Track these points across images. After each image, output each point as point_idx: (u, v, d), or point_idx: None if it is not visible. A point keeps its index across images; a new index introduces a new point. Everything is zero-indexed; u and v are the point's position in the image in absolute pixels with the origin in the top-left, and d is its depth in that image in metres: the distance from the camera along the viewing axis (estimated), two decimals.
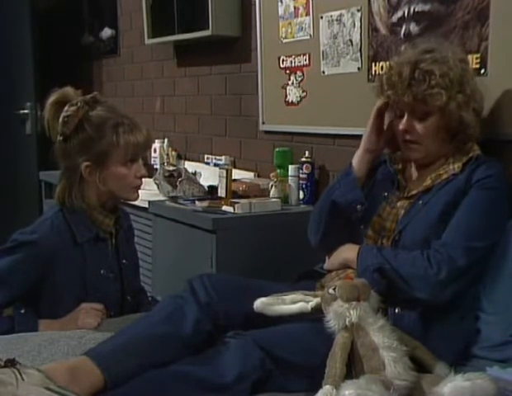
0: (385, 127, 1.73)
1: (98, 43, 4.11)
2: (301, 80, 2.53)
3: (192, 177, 2.66)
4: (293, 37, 2.54)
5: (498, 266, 1.56)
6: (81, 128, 1.69)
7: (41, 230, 1.68)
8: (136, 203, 2.06)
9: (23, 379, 1.20)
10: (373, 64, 2.19)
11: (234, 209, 2.25)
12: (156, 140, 3.33)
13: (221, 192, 2.41)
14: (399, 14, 2.08)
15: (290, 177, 2.49)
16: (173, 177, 2.63)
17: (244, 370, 1.35)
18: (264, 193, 2.48)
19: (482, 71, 1.81)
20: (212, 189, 2.55)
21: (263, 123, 2.76)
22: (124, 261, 1.81)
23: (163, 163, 3.15)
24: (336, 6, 2.32)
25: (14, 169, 4.05)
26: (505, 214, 1.59)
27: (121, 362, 1.35)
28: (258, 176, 2.81)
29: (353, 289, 1.43)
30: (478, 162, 1.62)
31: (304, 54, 2.50)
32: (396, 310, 1.54)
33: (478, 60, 1.82)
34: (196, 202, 2.37)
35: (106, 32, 4.01)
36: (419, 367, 1.38)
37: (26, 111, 4.00)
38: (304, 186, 2.45)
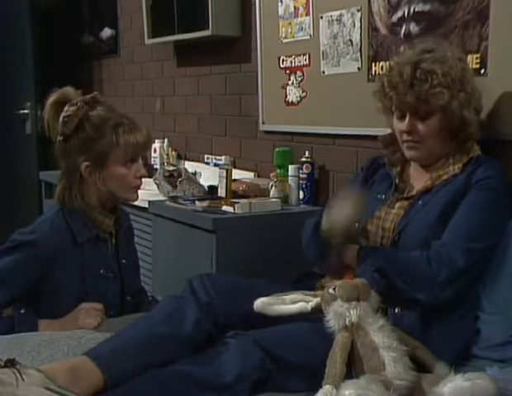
0: None
1: (98, 43, 4.11)
2: (301, 80, 2.53)
3: (192, 177, 2.66)
4: (293, 37, 2.54)
5: (498, 267, 1.56)
6: (81, 128, 1.69)
7: (41, 230, 1.68)
8: (136, 203, 2.06)
9: (23, 380, 1.20)
10: (373, 64, 2.19)
11: (234, 209, 2.25)
12: (156, 140, 3.34)
13: (221, 192, 2.41)
14: (399, 14, 2.08)
15: (290, 177, 2.49)
16: (173, 177, 2.63)
17: (244, 370, 1.35)
18: (264, 193, 2.48)
19: (482, 71, 1.81)
20: (212, 189, 2.55)
21: (263, 123, 2.76)
22: (123, 261, 1.81)
23: (163, 163, 3.15)
24: (336, 6, 2.32)
25: (14, 169, 4.06)
26: (505, 214, 1.59)
27: (121, 362, 1.35)
28: (258, 176, 2.81)
29: (352, 289, 1.43)
30: (478, 163, 1.62)
31: (304, 54, 2.50)
32: (396, 310, 1.54)
33: (478, 60, 1.82)
34: (196, 202, 2.37)
35: (106, 32, 4.01)
36: (419, 367, 1.38)
37: (26, 111, 4.00)
38: (304, 186, 2.45)
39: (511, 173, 1.67)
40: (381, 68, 2.15)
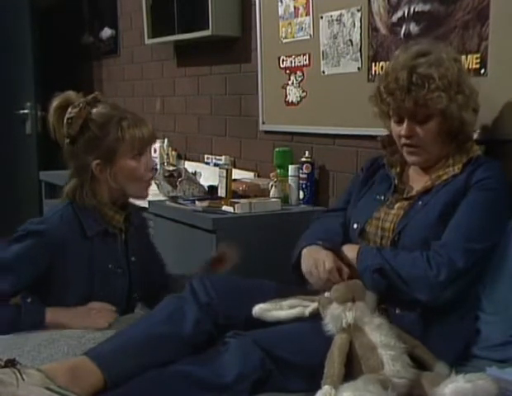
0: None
1: (98, 43, 4.11)
2: (301, 80, 2.53)
3: (192, 177, 2.66)
4: (293, 37, 2.54)
5: (498, 267, 1.56)
6: (86, 128, 1.70)
7: (50, 220, 1.70)
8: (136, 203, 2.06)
9: (23, 380, 1.20)
10: (373, 64, 2.20)
11: (234, 209, 2.25)
12: (156, 140, 3.33)
13: (221, 192, 2.41)
14: (399, 14, 2.08)
15: (290, 177, 2.49)
16: (172, 177, 2.63)
17: (243, 370, 1.35)
18: (264, 193, 2.48)
19: (482, 71, 1.82)
20: (212, 189, 2.55)
21: (263, 123, 2.76)
22: (132, 258, 1.81)
23: (163, 163, 3.15)
24: (336, 6, 2.32)
25: (14, 169, 4.06)
26: (505, 214, 1.59)
27: (121, 362, 1.35)
28: (258, 176, 2.81)
29: (347, 290, 1.44)
30: (478, 163, 1.62)
31: (304, 54, 2.50)
32: (396, 310, 1.54)
33: (478, 60, 1.82)
34: (196, 202, 2.37)
35: (106, 32, 4.01)
36: (419, 366, 1.38)
37: (26, 111, 4.00)
38: (304, 185, 2.45)
39: (511, 173, 1.67)
40: (381, 68, 2.15)
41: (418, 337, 1.46)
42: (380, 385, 1.22)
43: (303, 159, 2.46)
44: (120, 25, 3.89)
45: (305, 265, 1.63)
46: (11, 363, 1.24)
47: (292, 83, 2.57)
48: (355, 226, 1.72)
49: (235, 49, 2.92)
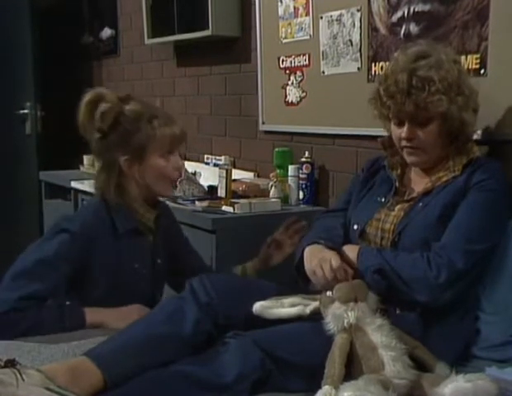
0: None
1: (98, 43, 4.11)
2: (301, 80, 2.53)
3: (192, 177, 2.66)
4: (293, 37, 2.54)
5: (498, 267, 1.56)
6: (117, 123, 1.71)
7: (84, 216, 1.73)
8: None
9: (23, 380, 1.20)
10: (373, 64, 2.20)
11: (234, 210, 2.25)
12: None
13: (221, 192, 2.41)
14: (399, 14, 2.08)
15: (290, 177, 2.49)
16: None
17: (243, 370, 1.35)
18: (264, 193, 2.48)
19: (482, 71, 1.82)
20: (212, 189, 2.55)
21: (263, 123, 2.76)
22: (158, 260, 1.82)
23: None
24: (336, 6, 2.32)
25: (14, 169, 4.05)
26: (505, 215, 1.59)
27: (121, 362, 1.34)
28: (258, 176, 2.81)
29: (349, 290, 1.44)
30: (478, 164, 1.62)
31: (304, 54, 2.50)
32: (397, 311, 1.54)
33: (478, 61, 1.83)
34: (196, 202, 2.37)
35: (106, 32, 4.01)
36: (419, 367, 1.38)
37: (25, 111, 3.99)
38: (304, 186, 2.45)
39: (511, 174, 1.67)
40: (381, 68, 2.15)
41: (418, 338, 1.46)
42: (381, 386, 1.22)
43: (303, 159, 2.46)
44: (120, 25, 3.88)
45: (309, 264, 1.62)
46: (10, 363, 1.24)
47: (292, 83, 2.57)
48: (355, 227, 1.72)
49: (235, 49, 2.92)
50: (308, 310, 1.48)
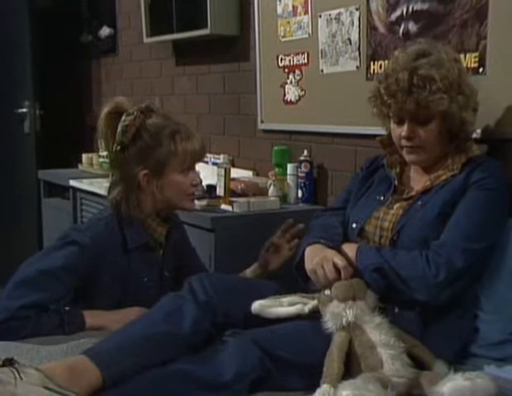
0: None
1: (97, 42, 4.11)
2: (300, 79, 2.53)
3: None
4: (292, 36, 2.54)
5: (497, 266, 1.56)
6: (138, 137, 1.70)
7: (95, 229, 1.70)
8: None
9: (22, 379, 1.20)
10: (372, 63, 2.19)
11: (233, 208, 2.25)
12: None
13: (220, 191, 2.41)
14: (397, 13, 2.08)
15: (288, 176, 2.49)
16: None
17: (242, 369, 1.35)
18: (263, 192, 2.48)
19: (481, 70, 1.82)
20: (211, 188, 2.55)
21: (262, 122, 2.76)
22: (166, 273, 1.82)
23: None
24: (335, 4, 2.32)
25: (12, 168, 4.05)
26: (504, 214, 1.59)
27: (120, 361, 1.34)
28: (257, 174, 2.81)
29: (348, 288, 1.44)
30: (477, 163, 1.62)
31: (302, 53, 2.50)
32: (395, 309, 1.54)
33: (476, 59, 1.83)
34: (195, 201, 2.36)
35: (105, 31, 4.00)
36: (418, 365, 1.38)
37: (24, 110, 3.99)
38: (302, 184, 2.45)
39: (510, 173, 1.67)
40: (380, 66, 2.15)
41: (417, 336, 1.46)
42: (379, 384, 1.22)
43: (302, 158, 2.45)
44: (118, 23, 3.88)
45: (310, 264, 1.61)
46: (9, 362, 1.23)
47: (291, 82, 2.57)
48: (354, 225, 1.72)
49: (234, 47, 2.91)
50: (307, 309, 1.49)
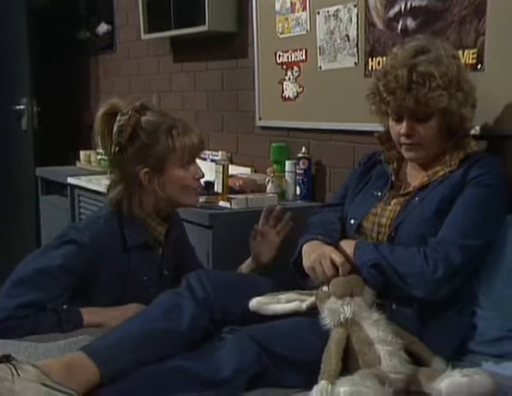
0: None
1: (94, 38, 4.10)
2: (298, 75, 2.53)
3: None
4: (290, 32, 2.54)
5: (494, 262, 1.56)
6: (135, 136, 1.69)
7: (94, 227, 1.70)
8: None
9: (19, 375, 1.20)
10: (370, 59, 2.19)
11: (231, 205, 2.25)
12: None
13: (218, 188, 2.40)
14: (395, 9, 2.08)
15: (286, 173, 2.48)
16: None
17: (240, 366, 1.35)
18: (261, 189, 2.48)
19: (479, 66, 1.81)
20: (209, 184, 2.54)
21: (260, 118, 2.76)
22: (165, 271, 1.81)
23: None
24: (333, 1, 2.31)
25: (10, 165, 4.04)
26: (502, 210, 1.59)
27: (118, 358, 1.34)
28: (255, 171, 2.80)
29: (345, 285, 1.44)
30: (475, 159, 1.62)
31: (301, 50, 2.49)
32: (393, 306, 1.54)
33: (475, 56, 1.82)
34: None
35: (103, 27, 3.99)
36: (416, 362, 1.38)
37: (21, 107, 3.98)
38: (301, 181, 2.45)
39: (508, 169, 1.67)
40: (378, 63, 2.15)
41: (414, 332, 1.46)
42: (377, 380, 1.22)
43: (300, 155, 2.45)
44: (116, 20, 3.87)
45: (308, 261, 1.61)
46: (6, 359, 1.23)
47: (289, 79, 2.57)
48: (352, 222, 1.72)
49: (232, 44, 2.91)
50: (304, 306, 1.49)
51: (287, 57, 2.56)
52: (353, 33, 2.24)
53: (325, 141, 2.45)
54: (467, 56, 1.83)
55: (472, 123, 1.68)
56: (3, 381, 1.18)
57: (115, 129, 1.69)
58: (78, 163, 3.64)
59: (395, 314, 1.49)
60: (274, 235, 1.97)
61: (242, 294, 1.54)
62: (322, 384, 1.25)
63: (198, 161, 1.83)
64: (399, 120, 1.64)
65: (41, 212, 3.67)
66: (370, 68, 2.19)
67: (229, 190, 2.38)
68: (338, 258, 1.53)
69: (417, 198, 1.63)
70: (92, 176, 3.14)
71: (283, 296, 1.52)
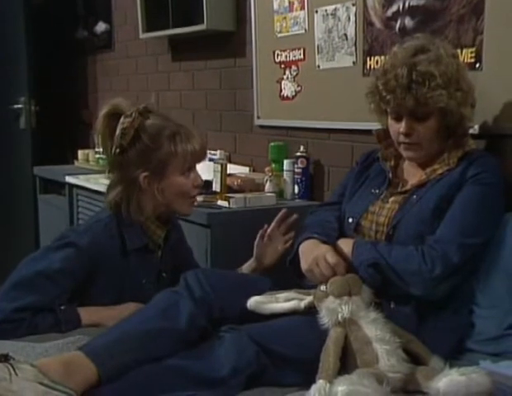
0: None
1: (92, 37, 4.09)
2: (296, 74, 2.52)
3: None
4: (288, 31, 2.54)
5: (492, 261, 1.56)
6: (137, 138, 1.68)
7: (94, 231, 1.69)
8: None
9: (17, 375, 1.20)
10: (368, 58, 2.19)
11: (229, 204, 2.25)
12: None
13: (216, 187, 2.40)
14: (394, 8, 2.08)
15: (285, 172, 2.49)
16: None
17: (238, 364, 1.35)
18: (259, 188, 2.48)
19: (477, 65, 1.81)
20: (207, 183, 2.54)
21: (258, 117, 2.76)
22: (164, 274, 1.81)
23: None
24: (331, 0, 2.31)
25: (8, 164, 4.04)
26: (500, 209, 1.59)
27: (115, 357, 1.34)
28: (253, 170, 2.80)
29: (343, 284, 1.44)
30: (473, 157, 1.62)
31: (299, 49, 2.49)
32: (391, 305, 1.54)
33: (473, 55, 1.82)
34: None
35: (101, 27, 3.99)
36: (414, 361, 1.38)
37: (19, 106, 3.98)
38: (299, 180, 2.45)
39: (506, 168, 1.67)
40: (376, 62, 2.15)
41: (412, 331, 1.46)
42: (375, 379, 1.22)
43: (298, 154, 2.45)
44: (114, 19, 3.86)
45: (305, 264, 1.61)
46: (4, 358, 1.23)
47: (287, 78, 2.57)
48: (350, 220, 1.72)
49: (230, 43, 2.91)
50: (303, 305, 1.49)
51: (285, 56, 2.56)
52: (351, 32, 2.24)
53: (324, 140, 2.45)
54: (466, 55, 1.83)
55: (471, 122, 1.68)
56: (1, 381, 1.17)
57: (118, 131, 1.68)
58: (76, 162, 3.64)
59: (393, 313, 1.49)
60: (281, 242, 1.96)
61: (240, 293, 1.54)
62: (320, 383, 1.25)
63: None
64: (398, 118, 1.64)
65: (39, 211, 3.67)
66: (368, 67, 2.19)
67: (227, 189, 2.38)
68: (331, 259, 1.54)
69: (415, 196, 1.63)
70: (90, 175, 3.14)
71: (281, 295, 1.52)
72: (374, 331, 1.35)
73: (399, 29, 2.06)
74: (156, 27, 3.24)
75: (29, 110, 3.96)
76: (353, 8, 2.22)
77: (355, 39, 2.23)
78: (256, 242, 1.98)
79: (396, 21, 2.07)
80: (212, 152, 3.02)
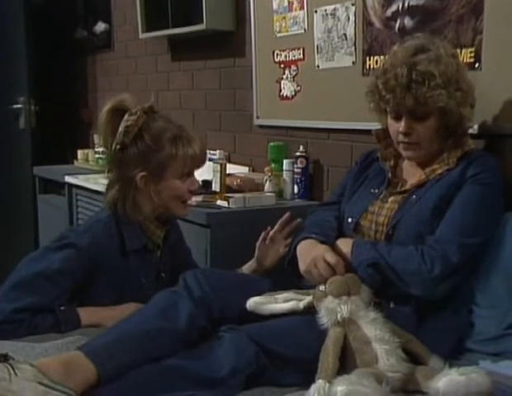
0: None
1: (92, 37, 4.09)
2: (296, 74, 2.52)
3: None
4: (287, 31, 2.54)
5: (492, 261, 1.56)
6: (140, 138, 1.67)
7: (93, 231, 1.69)
8: None
9: (16, 375, 1.20)
10: (368, 58, 2.19)
11: (229, 204, 2.25)
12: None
13: (216, 187, 2.40)
14: (393, 8, 2.08)
15: (284, 172, 2.49)
16: None
17: (238, 365, 1.35)
18: (259, 187, 2.48)
19: (476, 65, 1.81)
20: (207, 183, 2.54)
21: (258, 117, 2.76)
22: (163, 274, 1.81)
23: None
24: (330, 0, 2.31)
25: (8, 164, 4.04)
26: (499, 209, 1.59)
27: (115, 357, 1.34)
28: (253, 170, 2.80)
29: (342, 284, 1.44)
30: (473, 157, 1.62)
31: (298, 48, 2.49)
32: (391, 305, 1.54)
33: (472, 54, 1.82)
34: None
35: (100, 26, 3.99)
36: (413, 360, 1.38)
37: (19, 106, 3.97)
38: (298, 180, 2.45)
39: (506, 167, 1.67)
40: (376, 62, 2.15)
41: (412, 331, 1.46)
42: (374, 379, 1.22)
43: (298, 154, 2.45)
44: (113, 19, 3.86)
45: (304, 265, 1.60)
46: (3, 358, 1.23)
47: (287, 78, 2.57)
48: (349, 220, 1.72)
49: (230, 43, 2.91)
50: (302, 305, 1.49)
51: (285, 56, 2.56)
52: (350, 32, 2.24)
53: (323, 140, 2.45)
54: (465, 55, 1.83)
55: (471, 122, 1.68)
56: (1, 381, 1.18)
57: (121, 128, 1.67)
58: (75, 162, 3.64)
59: (392, 313, 1.49)
60: (282, 246, 1.95)
61: (240, 293, 1.54)
62: (319, 382, 1.25)
63: None
64: (397, 118, 1.64)
65: (39, 211, 3.67)
66: (368, 67, 2.19)
67: (226, 189, 2.38)
68: (331, 258, 1.53)
69: (414, 196, 1.63)
70: (89, 175, 3.14)
71: (280, 296, 1.52)
72: (373, 331, 1.35)
73: (398, 29, 2.06)
74: (155, 27, 3.23)
75: (29, 110, 3.96)
76: (353, 8, 2.22)
77: (355, 39, 2.23)
78: (258, 244, 1.97)
79: (396, 21, 2.07)
80: (212, 152, 3.01)
